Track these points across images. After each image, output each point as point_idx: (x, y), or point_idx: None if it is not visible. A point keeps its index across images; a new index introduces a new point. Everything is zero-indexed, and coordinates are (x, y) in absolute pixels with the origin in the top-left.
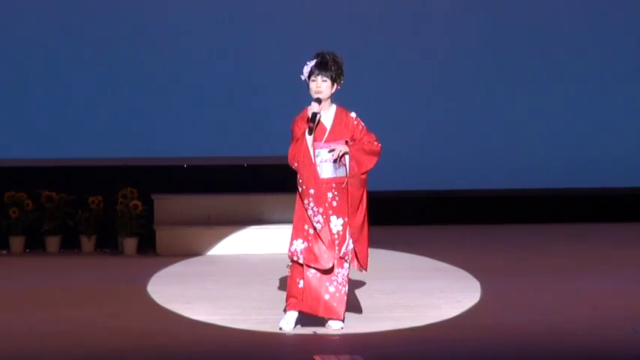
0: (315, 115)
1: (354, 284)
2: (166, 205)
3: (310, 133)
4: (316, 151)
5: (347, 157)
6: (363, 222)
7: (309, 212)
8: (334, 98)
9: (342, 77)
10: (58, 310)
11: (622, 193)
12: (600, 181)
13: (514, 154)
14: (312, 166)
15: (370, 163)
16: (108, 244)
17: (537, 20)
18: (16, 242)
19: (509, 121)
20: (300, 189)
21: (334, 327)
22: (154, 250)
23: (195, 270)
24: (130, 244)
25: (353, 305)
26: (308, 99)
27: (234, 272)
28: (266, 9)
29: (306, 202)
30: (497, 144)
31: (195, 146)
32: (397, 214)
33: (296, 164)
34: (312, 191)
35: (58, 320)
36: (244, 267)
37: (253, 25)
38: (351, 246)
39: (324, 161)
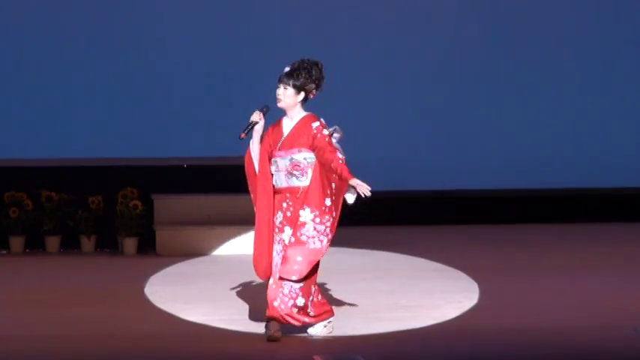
0: (251, 124)
1: (354, 284)
2: (166, 205)
3: (247, 143)
4: (273, 159)
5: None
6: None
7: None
8: (307, 107)
9: (314, 86)
10: (58, 310)
11: (623, 193)
12: (601, 181)
13: (514, 154)
14: (256, 177)
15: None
16: (108, 244)
17: (538, 20)
18: (16, 242)
19: (508, 121)
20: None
21: (313, 332)
22: (153, 250)
23: (194, 270)
24: (129, 244)
25: (353, 305)
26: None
27: (234, 272)
28: (268, 6)
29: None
30: (497, 144)
31: (195, 146)
32: (397, 214)
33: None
34: (256, 200)
35: (58, 320)
36: (244, 267)
37: (254, 25)
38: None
39: (278, 170)
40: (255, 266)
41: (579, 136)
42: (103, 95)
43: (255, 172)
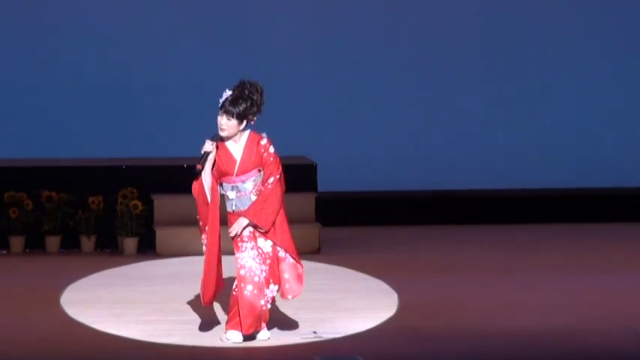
0: (206, 155)
1: (353, 283)
2: (166, 205)
3: (200, 174)
4: (230, 185)
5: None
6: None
7: (204, 248)
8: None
9: (254, 111)
10: (58, 310)
11: (623, 193)
12: (600, 181)
13: (513, 154)
14: (207, 206)
15: (272, 210)
16: (108, 244)
17: (538, 19)
18: (16, 242)
19: (507, 120)
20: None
21: (261, 337)
22: (153, 250)
23: (195, 270)
24: (129, 244)
25: (352, 305)
26: (303, 106)
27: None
28: (269, 8)
29: (203, 236)
30: (496, 143)
31: (195, 146)
32: (397, 214)
33: (195, 200)
34: (207, 228)
35: (57, 320)
36: None
37: (255, 27)
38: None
39: (241, 195)
40: (203, 292)
41: (579, 136)
42: (103, 95)
43: (206, 200)
